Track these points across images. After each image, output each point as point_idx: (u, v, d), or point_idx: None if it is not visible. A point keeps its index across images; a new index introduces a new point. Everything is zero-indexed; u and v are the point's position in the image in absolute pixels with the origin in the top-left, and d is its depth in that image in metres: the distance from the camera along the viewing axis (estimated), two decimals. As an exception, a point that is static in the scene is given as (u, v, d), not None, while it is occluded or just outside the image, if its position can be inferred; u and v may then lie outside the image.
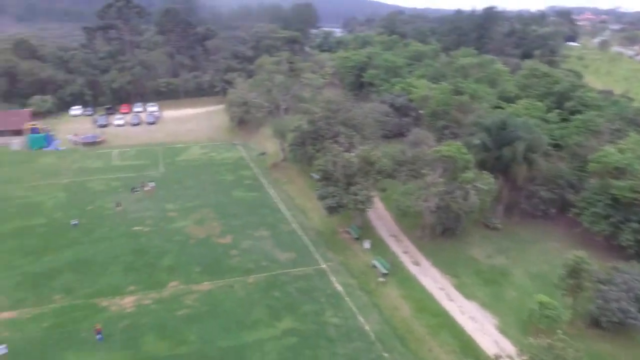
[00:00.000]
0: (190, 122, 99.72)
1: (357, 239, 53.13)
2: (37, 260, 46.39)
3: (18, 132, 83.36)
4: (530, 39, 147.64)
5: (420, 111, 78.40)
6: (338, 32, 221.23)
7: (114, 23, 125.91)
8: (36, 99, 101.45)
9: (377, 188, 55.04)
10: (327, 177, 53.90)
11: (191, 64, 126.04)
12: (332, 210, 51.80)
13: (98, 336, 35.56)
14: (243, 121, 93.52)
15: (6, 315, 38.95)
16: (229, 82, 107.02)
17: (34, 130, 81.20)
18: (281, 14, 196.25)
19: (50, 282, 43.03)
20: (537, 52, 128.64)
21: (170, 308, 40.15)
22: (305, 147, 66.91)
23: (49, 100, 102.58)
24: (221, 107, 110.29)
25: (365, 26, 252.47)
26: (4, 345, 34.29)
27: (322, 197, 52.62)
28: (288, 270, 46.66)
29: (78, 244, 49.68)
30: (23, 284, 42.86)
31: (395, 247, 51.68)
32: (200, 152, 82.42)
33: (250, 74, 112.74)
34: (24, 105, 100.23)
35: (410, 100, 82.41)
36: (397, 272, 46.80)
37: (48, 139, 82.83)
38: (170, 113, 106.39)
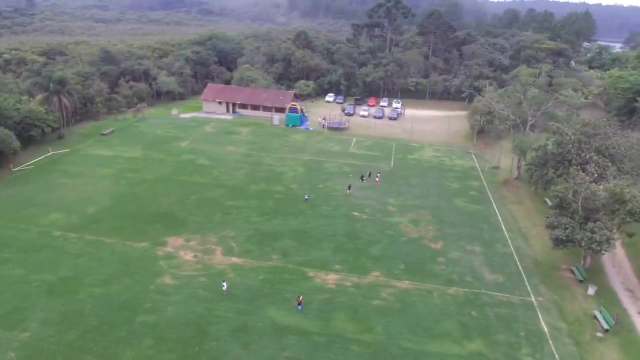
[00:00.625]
0: (429, 124, 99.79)
1: (580, 281, 45.52)
2: (268, 221, 52.70)
3: (280, 110, 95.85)
4: None
5: None
6: (617, 47, 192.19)
7: (379, 21, 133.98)
8: (301, 83, 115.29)
9: (623, 231, 46.09)
10: (562, 206, 47.58)
11: (443, 67, 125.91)
12: (559, 242, 45.46)
13: (299, 307, 38.40)
14: (482, 131, 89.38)
15: (235, 260, 45.28)
16: (478, 89, 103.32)
17: (292, 110, 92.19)
18: (551, 23, 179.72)
19: (273, 242, 48.38)
20: None
21: (367, 295, 40.89)
22: (545, 169, 60.37)
23: (310, 85, 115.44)
24: (463, 113, 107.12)
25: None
26: (225, 283, 40.03)
27: (551, 226, 46.60)
28: (492, 292, 42.73)
29: (303, 215, 54.62)
30: (253, 238, 49.18)
31: (628, 303, 42.58)
32: (432, 154, 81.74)
33: (502, 84, 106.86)
34: (290, 87, 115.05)
35: None
36: (622, 332, 38.46)
37: (302, 119, 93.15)
38: (412, 112, 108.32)
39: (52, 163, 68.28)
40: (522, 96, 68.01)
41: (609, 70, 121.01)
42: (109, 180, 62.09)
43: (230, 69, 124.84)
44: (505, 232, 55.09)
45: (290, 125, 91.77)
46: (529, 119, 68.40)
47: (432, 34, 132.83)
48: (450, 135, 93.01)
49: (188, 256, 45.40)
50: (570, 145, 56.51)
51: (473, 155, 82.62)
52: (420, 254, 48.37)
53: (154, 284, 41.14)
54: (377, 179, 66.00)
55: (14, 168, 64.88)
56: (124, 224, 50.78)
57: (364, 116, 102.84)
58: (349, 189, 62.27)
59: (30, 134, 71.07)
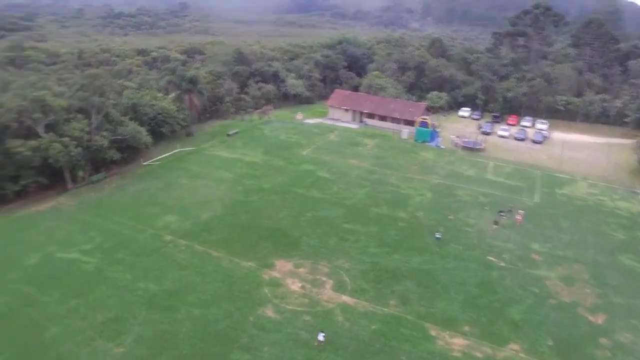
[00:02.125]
0: (582, 151, 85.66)
1: None
2: (388, 255, 46.03)
3: (410, 123, 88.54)
4: None
5: None
6: None
7: (524, 30, 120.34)
8: (433, 94, 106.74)
9: None
10: None
11: (601, 84, 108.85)
12: None
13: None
14: (653, 166, 74.00)
15: (346, 299, 39.40)
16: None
17: (422, 124, 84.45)
18: None
19: (392, 284, 41.63)
20: None
21: (505, 377, 32.59)
22: None
23: (443, 97, 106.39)
24: (626, 142, 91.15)
25: None
26: (323, 334, 34.09)
27: None
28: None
29: (428, 253, 47.07)
30: (369, 274, 42.88)
31: None
32: (587, 190, 68.75)
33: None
34: (421, 98, 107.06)
35: None
36: None
37: (432, 135, 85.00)
38: (559, 135, 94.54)
39: (178, 160, 68.66)
40: None
41: None
42: (227, 184, 60.18)
43: (359, 75, 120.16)
44: (696, 313, 42.40)
45: (419, 141, 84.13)
46: None
47: (589, 46, 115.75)
48: (610, 169, 78.41)
49: (295, 286, 40.55)
50: None
51: (640, 197, 68.16)
52: (574, 328, 38.30)
53: (255, 314, 36.83)
54: (519, 217, 55.98)
55: (144, 162, 66.23)
56: (233, 236, 47.75)
57: (503, 136, 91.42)
58: (495, 225, 53.77)
59: (162, 130, 72.34)
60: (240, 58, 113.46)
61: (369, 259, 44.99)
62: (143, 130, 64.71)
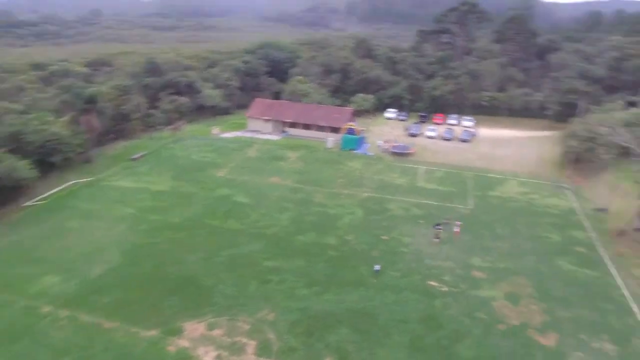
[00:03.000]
0: (508, 147, 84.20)
1: None
2: (319, 296, 39.79)
3: (336, 130, 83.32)
4: None
5: None
6: None
7: (449, 27, 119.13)
8: (359, 96, 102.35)
9: None
10: None
11: (523, 78, 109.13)
12: None
13: None
14: (579, 159, 73.04)
15: (271, 363, 32.90)
16: (571, 106, 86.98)
17: (349, 131, 79.40)
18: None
19: (325, 334, 35.36)
20: None
21: None
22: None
23: (369, 99, 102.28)
24: (548, 133, 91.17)
25: None
26: None
27: None
28: None
29: (364, 286, 41.41)
30: (299, 324, 36.37)
31: None
32: (518, 189, 66.42)
33: (598, 100, 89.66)
34: (346, 102, 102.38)
35: None
36: None
37: (359, 142, 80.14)
38: (485, 131, 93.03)
39: (69, 196, 58.26)
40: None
41: None
42: (127, 224, 51.10)
43: (282, 81, 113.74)
44: (640, 318, 39.89)
45: (346, 150, 79.04)
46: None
47: (511, 41, 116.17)
48: (536, 163, 77.26)
49: (209, 357, 33.13)
50: None
51: (568, 191, 66.67)
52: (528, 357, 34.15)
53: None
54: (457, 229, 51.88)
55: (25, 203, 55.76)
56: (132, 295, 39.13)
57: (431, 137, 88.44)
58: (437, 238, 49.69)
59: (52, 160, 62.30)
60: (152, 68, 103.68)
61: (297, 305, 38.60)
62: (22, 165, 54.44)
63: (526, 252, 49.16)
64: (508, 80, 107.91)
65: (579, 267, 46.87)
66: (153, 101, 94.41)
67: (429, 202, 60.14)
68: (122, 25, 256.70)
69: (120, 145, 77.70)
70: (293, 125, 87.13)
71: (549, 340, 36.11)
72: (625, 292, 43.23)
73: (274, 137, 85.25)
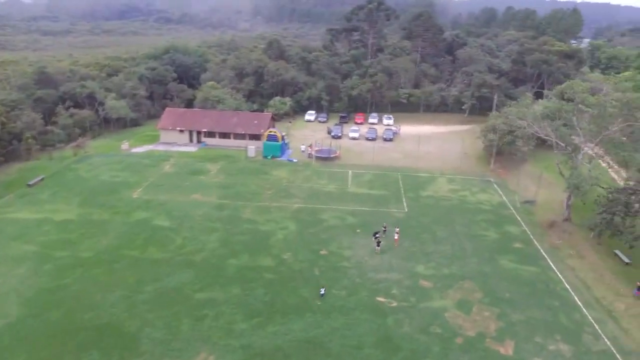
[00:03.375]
0: (430, 143, 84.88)
1: None
2: (261, 329, 35.64)
3: (256, 137, 79.13)
4: None
5: None
6: (586, 43, 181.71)
7: (360, 25, 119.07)
8: (276, 100, 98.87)
9: None
10: None
11: (435, 74, 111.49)
12: None
13: None
14: (499, 152, 75.00)
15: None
16: (486, 100, 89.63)
17: (271, 138, 75.56)
18: (535, 21, 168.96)
19: (272, 374, 31.66)
20: None
21: None
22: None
23: (287, 102, 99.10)
24: (467, 127, 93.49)
25: (628, 37, 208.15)
26: None
27: None
28: None
29: (309, 311, 37.95)
30: (241, 366, 32.29)
31: None
32: (449, 187, 66.56)
33: (507, 93, 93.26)
34: (263, 106, 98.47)
35: None
36: None
37: (282, 149, 76.58)
38: (407, 129, 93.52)
39: (-48, 236, 49.28)
40: (575, 118, 53.05)
41: (612, 73, 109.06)
42: (27, 265, 43.27)
43: (193, 87, 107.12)
44: (585, 311, 40.16)
45: (269, 157, 75.16)
46: (584, 146, 53.57)
47: (420, 38, 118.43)
48: (459, 158, 78.34)
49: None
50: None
51: (496, 185, 68.02)
52: (492, 372, 32.81)
53: None
54: (396, 236, 50.05)
55: None
56: (38, 356, 32.31)
57: (354, 138, 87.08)
58: (378, 246, 47.30)
59: None
60: (44, 79, 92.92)
61: (239, 342, 34.22)
62: None
63: (467, 253, 48.43)
64: (422, 76, 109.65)
65: (520, 265, 46.87)
66: (49, 116, 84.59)
67: (364, 208, 58.06)
68: (5, 31, 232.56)
69: (13, 169, 67.85)
70: (210, 134, 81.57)
71: (507, 349, 34.88)
72: (567, 286, 43.69)
73: (191, 149, 79.20)
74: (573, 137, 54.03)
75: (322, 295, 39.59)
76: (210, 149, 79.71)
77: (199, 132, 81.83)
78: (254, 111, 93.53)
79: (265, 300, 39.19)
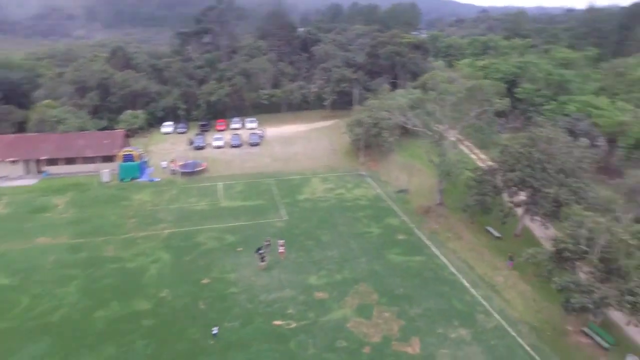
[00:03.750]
0: (298, 143, 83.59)
1: (606, 349, 34.17)
2: (146, 394, 30.33)
3: (110, 159, 70.26)
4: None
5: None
6: (423, 34, 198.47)
7: (211, 27, 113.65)
8: (127, 114, 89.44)
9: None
10: (564, 256, 35.71)
11: (293, 72, 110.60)
12: (572, 310, 33.94)
13: None
14: (368, 145, 76.01)
15: None
16: (346, 94, 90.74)
17: (127, 158, 67.57)
18: (378, 16, 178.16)
19: None
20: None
21: None
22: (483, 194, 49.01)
23: (140, 115, 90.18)
24: (330, 123, 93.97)
25: (455, 27, 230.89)
26: None
27: (564, 290, 34.71)
28: None
29: (203, 354, 33.24)
30: None
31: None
32: (324, 186, 65.51)
33: (365, 86, 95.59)
34: (113, 122, 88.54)
35: (595, 126, 64.34)
36: None
37: (141, 168, 69.02)
38: (272, 131, 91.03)
39: None
40: (438, 107, 54.81)
41: (457, 60, 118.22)
42: None
43: (24, 106, 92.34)
44: (473, 291, 41.65)
45: (127, 180, 67.16)
46: (446, 133, 55.69)
47: (275, 37, 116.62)
48: (329, 155, 78.42)
49: None
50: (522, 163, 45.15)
51: (369, 179, 68.77)
52: (405, 379, 31.62)
53: None
54: (281, 249, 47.06)
55: None
56: None
57: (219, 147, 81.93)
58: (262, 262, 44.01)
59: None
60: None
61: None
62: None
63: (356, 254, 47.42)
64: (280, 76, 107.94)
65: (407, 256, 47.12)
66: None
67: (241, 223, 54.15)
68: None
69: None
70: (52, 162, 70.35)
71: (414, 348, 34.39)
72: (453, 270, 44.86)
73: (29, 182, 67.33)
74: (437, 125, 55.94)
75: (215, 334, 34.96)
76: (54, 178, 68.62)
77: (38, 161, 70.11)
78: (102, 129, 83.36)
79: (147, 353, 33.51)
